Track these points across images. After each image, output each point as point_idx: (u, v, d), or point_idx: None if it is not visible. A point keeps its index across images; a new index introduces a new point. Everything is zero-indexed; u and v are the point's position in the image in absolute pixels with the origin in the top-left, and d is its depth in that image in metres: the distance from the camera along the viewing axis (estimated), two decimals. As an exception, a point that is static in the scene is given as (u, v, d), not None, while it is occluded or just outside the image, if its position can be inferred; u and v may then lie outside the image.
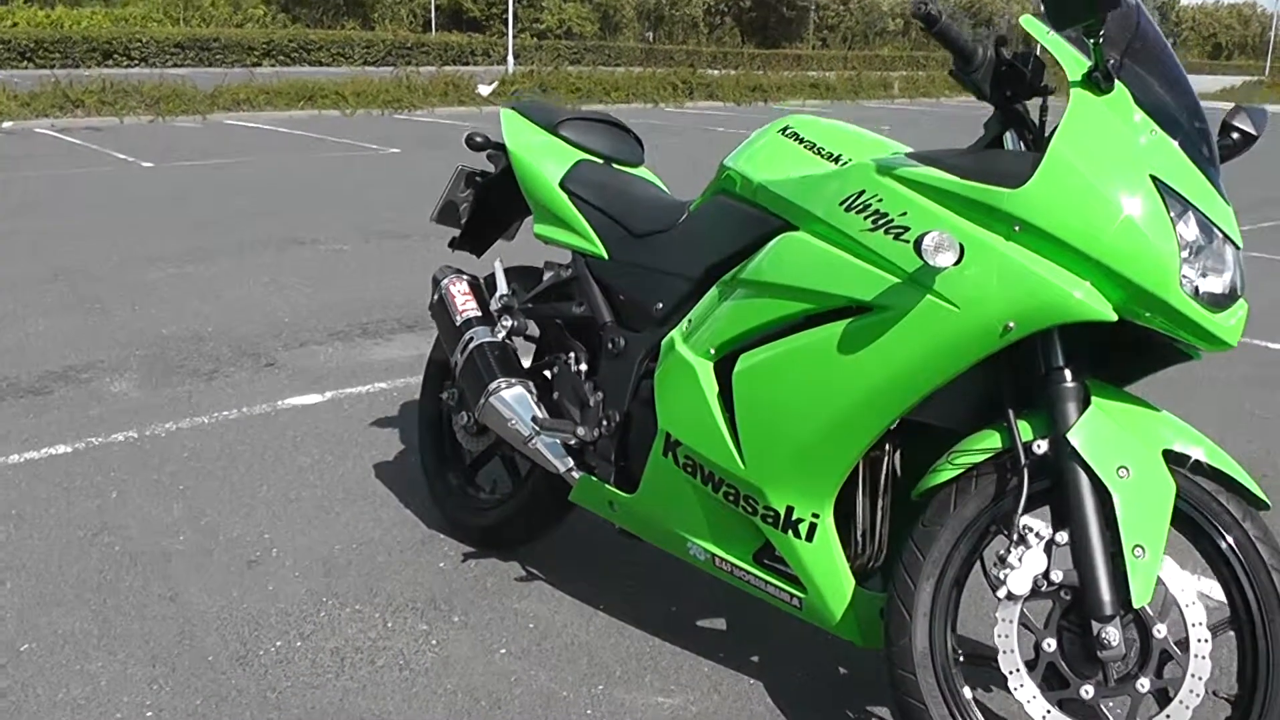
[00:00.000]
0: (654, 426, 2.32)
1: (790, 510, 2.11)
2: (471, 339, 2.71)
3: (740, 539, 2.24)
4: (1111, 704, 1.91)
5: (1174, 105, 1.86)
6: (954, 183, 1.87)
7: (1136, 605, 1.82)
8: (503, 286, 2.81)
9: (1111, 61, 1.80)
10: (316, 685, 2.34)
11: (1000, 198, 1.82)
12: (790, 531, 2.12)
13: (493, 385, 2.63)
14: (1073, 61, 1.83)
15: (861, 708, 2.33)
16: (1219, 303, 1.79)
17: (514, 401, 2.61)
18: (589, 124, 2.85)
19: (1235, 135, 2.03)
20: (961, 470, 1.96)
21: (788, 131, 2.28)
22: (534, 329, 2.84)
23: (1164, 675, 1.88)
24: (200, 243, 6.96)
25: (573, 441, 2.52)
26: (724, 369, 2.20)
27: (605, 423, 2.49)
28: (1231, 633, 1.90)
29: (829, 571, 2.11)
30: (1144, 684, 1.87)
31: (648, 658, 2.49)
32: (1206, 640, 1.86)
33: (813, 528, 2.10)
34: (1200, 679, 1.85)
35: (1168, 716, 1.86)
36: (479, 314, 2.76)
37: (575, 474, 2.53)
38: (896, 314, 1.90)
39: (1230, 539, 1.87)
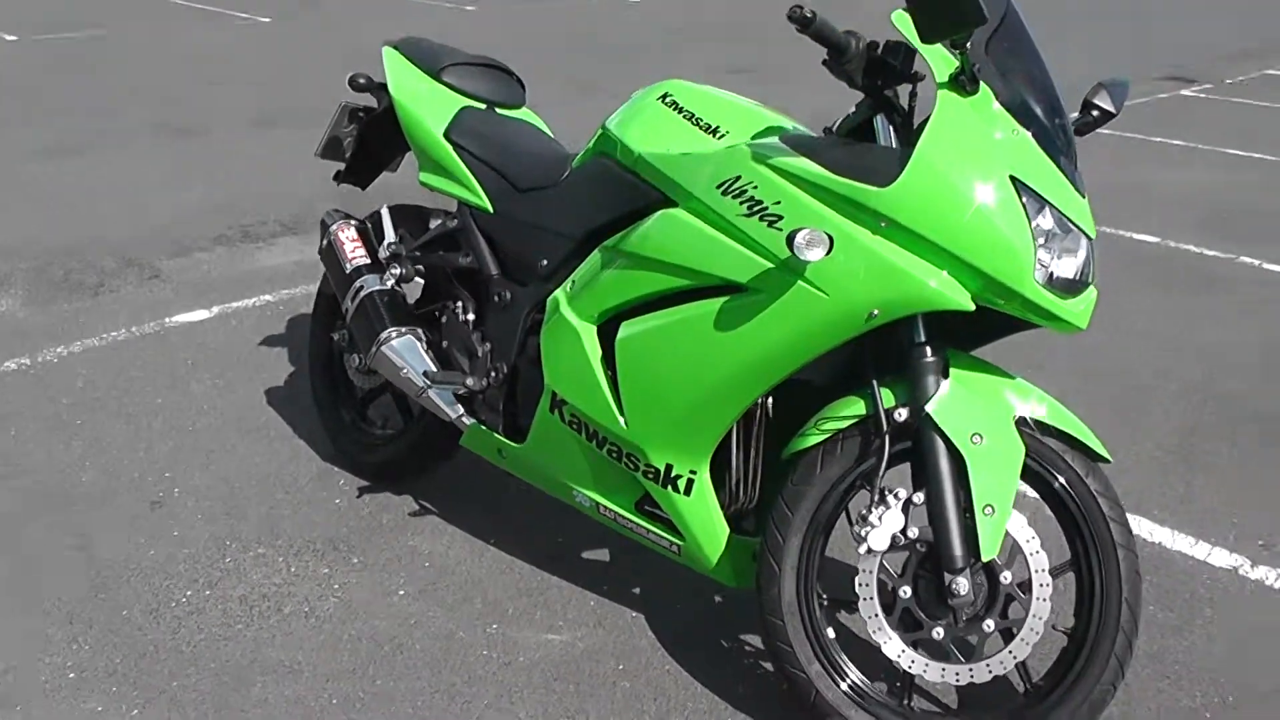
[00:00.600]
0: (541, 382, 2.44)
1: (669, 468, 2.26)
2: (362, 287, 2.78)
3: (622, 489, 2.40)
4: (960, 642, 2.12)
5: (1034, 100, 1.99)
6: (826, 177, 1.99)
7: (985, 559, 2.02)
8: (390, 233, 2.86)
9: (976, 66, 1.90)
10: (229, 637, 2.48)
11: (869, 195, 1.94)
12: (669, 487, 2.28)
13: (384, 334, 2.71)
14: (940, 61, 1.94)
15: (735, 636, 2.56)
16: (1071, 289, 1.96)
17: (405, 351, 2.70)
18: (472, 69, 2.88)
19: (1095, 113, 2.17)
20: (828, 435, 2.13)
21: (667, 99, 2.36)
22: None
23: (1008, 616, 2.11)
24: (69, 132, 6.74)
25: (462, 391, 2.62)
26: (606, 333, 2.32)
27: (493, 374, 2.60)
28: (1072, 574, 2.12)
29: (706, 523, 2.28)
30: (990, 624, 2.10)
31: (537, 594, 2.66)
32: (1048, 585, 2.09)
33: (690, 483, 2.26)
34: (1040, 618, 2.09)
35: (1010, 652, 2.09)
36: (368, 261, 2.82)
37: (465, 420, 2.64)
38: (770, 297, 2.03)
39: (1073, 492, 2.08)
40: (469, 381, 2.62)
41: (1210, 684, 2.47)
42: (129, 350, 3.86)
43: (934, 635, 2.12)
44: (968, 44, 1.87)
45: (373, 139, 3.10)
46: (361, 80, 2.98)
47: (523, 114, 2.97)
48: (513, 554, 2.81)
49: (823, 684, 2.14)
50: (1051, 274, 1.95)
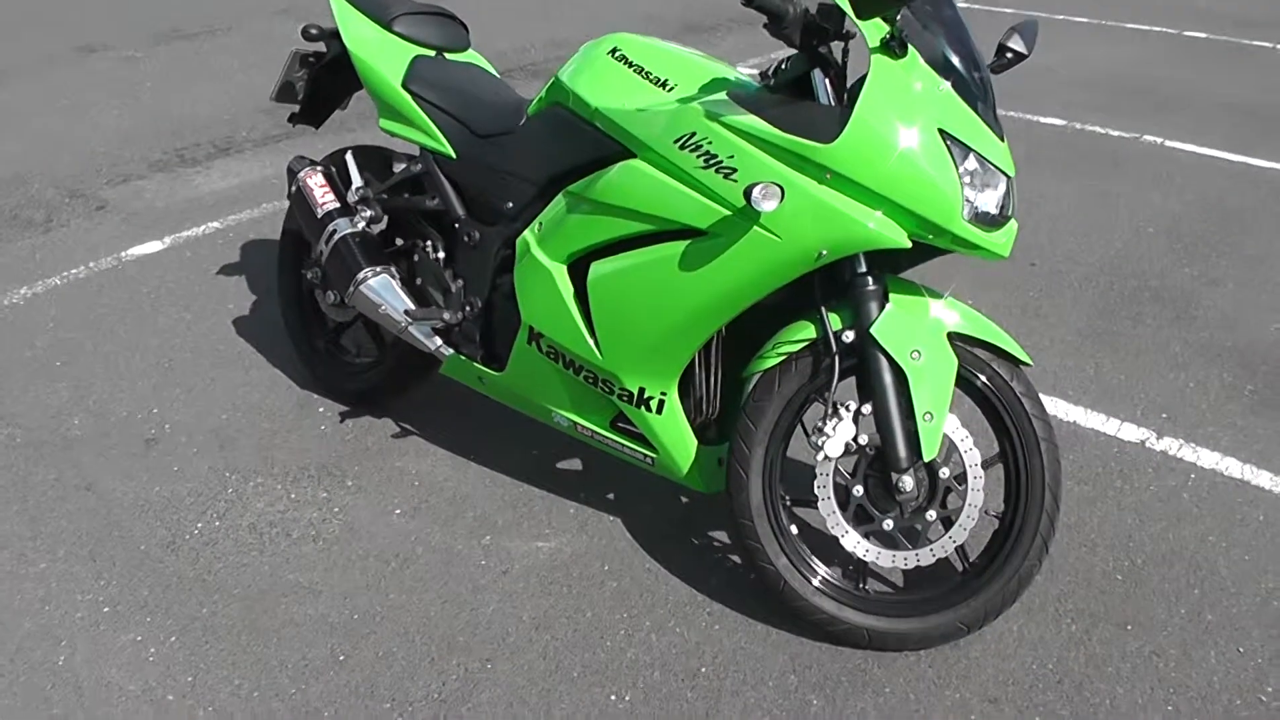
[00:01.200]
0: (516, 317, 2.67)
1: (642, 390, 2.51)
2: (335, 230, 2.95)
3: (598, 410, 2.65)
4: (907, 531, 2.43)
5: (954, 54, 2.23)
6: (775, 134, 2.22)
7: (926, 459, 2.32)
8: (357, 178, 3.03)
9: (904, 31, 2.13)
10: (246, 564, 2.70)
11: (815, 151, 2.18)
12: (643, 407, 2.53)
13: (360, 275, 2.90)
14: (871, 28, 2.16)
15: (702, 534, 2.84)
16: (993, 223, 2.23)
17: (381, 289, 2.89)
18: (420, 18, 3.03)
19: (1009, 54, 2.41)
20: (783, 358, 2.39)
21: (616, 54, 2.54)
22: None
23: (948, 506, 2.41)
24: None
25: (439, 325, 2.83)
26: (576, 271, 2.54)
27: (468, 308, 2.81)
28: (1000, 467, 2.43)
29: (677, 437, 2.55)
30: (931, 514, 2.40)
31: (521, 505, 2.92)
32: (980, 477, 2.39)
33: (661, 403, 2.52)
34: (976, 506, 2.40)
35: (950, 538, 2.40)
36: (338, 205, 2.99)
37: (445, 351, 2.85)
38: (728, 240, 2.27)
39: (1000, 396, 2.37)
40: (445, 316, 2.83)
41: (1122, 549, 2.81)
42: (91, 287, 3.98)
43: (884, 527, 2.43)
44: (898, 16, 2.10)
45: (324, 83, 3.26)
46: (314, 31, 3.12)
47: (469, 56, 3.13)
48: (494, 469, 3.06)
49: (790, 575, 2.45)
50: (976, 210, 2.21)
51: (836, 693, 2.37)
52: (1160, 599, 2.66)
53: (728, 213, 2.28)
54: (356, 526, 2.84)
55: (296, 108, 3.31)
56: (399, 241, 3.05)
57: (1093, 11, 7.95)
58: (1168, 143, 5.47)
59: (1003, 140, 2.28)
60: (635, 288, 2.42)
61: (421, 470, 3.06)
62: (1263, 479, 3.09)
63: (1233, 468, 3.15)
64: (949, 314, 2.37)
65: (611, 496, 2.96)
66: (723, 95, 2.34)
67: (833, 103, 2.28)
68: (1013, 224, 2.29)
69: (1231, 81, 6.64)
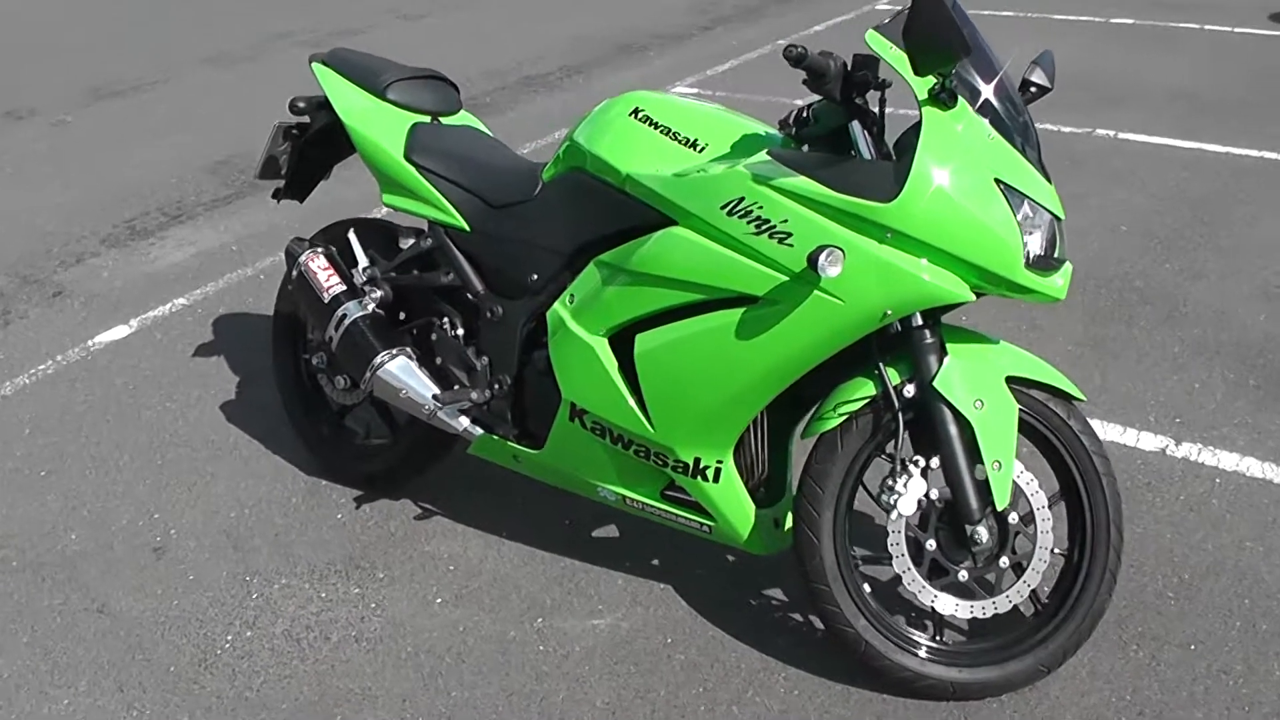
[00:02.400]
0: (554, 393, 2.58)
1: (698, 460, 2.45)
2: (345, 314, 2.83)
3: (648, 481, 2.57)
4: (980, 580, 2.39)
5: (999, 102, 2.19)
6: (831, 195, 2.17)
7: (1000, 508, 2.28)
8: (362, 257, 2.91)
9: (954, 82, 2.09)
10: (288, 675, 2.58)
11: (875, 211, 2.14)
12: (699, 477, 2.46)
13: (378, 359, 2.79)
14: (912, 78, 2.12)
15: (757, 593, 2.78)
16: (1050, 267, 2.20)
17: (402, 373, 2.79)
18: (414, 83, 2.93)
19: (1033, 89, 2.39)
20: (845, 417, 2.33)
21: (639, 115, 2.47)
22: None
23: (1018, 550, 2.37)
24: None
25: (468, 405, 2.74)
26: (617, 343, 2.47)
27: (497, 386, 2.72)
28: (1062, 504, 2.40)
29: (736, 503, 2.49)
30: (1004, 561, 2.36)
31: (567, 581, 2.83)
32: (1049, 518, 2.36)
33: (718, 471, 2.45)
34: (1046, 548, 2.37)
35: (1025, 582, 2.37)
36: (345, 288, 2.87)
37: (474, 431, 2.76)
38: (788, 306, 2.22)
39: (1059, 436, 2.35)
40: (473, 395, 2.73)
41: (1167, 565, 2.81)
42: (63, 383, 3.80)
43: (959, 578, 2.39)
44: (953, 70, 2.07)
45: (310, 155, 3.15)
46: (301, 104, 3.01)
47: (462, 118, 3.04)
48: (530, 544, 2.96)
49: (870, 635, 2.39)
50: (1033, 256, 2.18)
51: (932, 753, 2.33)
52: (1215, 613, 2.66)
53: (785, 278, 2.22)
54: (399, 621, 2.73)
55: (281, 183, 3.19)
56: (408, 319, 2.94)
57: (1018, 5, 8.05)
58: (1120, 135, 5.54)
59: (1050, 182, 2.25)
60: (689, 359, 2.36)
61: (454, 553, 2.95)
62: (1289, 478, 3.12)
63: (1253, 468, 3.17)
64: (1005, 358, 2.35)
65: (657, 563, 2.89)
66: (764, 157, 2.29)
67: (873, 154, 2.24)
68: (1068, 266, 2.27)
69: (1167, 67, 6.75)
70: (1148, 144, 5.49)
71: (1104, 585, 2.39)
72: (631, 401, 2.46)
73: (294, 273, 2.94)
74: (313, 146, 3.11)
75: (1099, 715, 2.40)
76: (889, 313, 2.19)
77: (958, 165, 2.14)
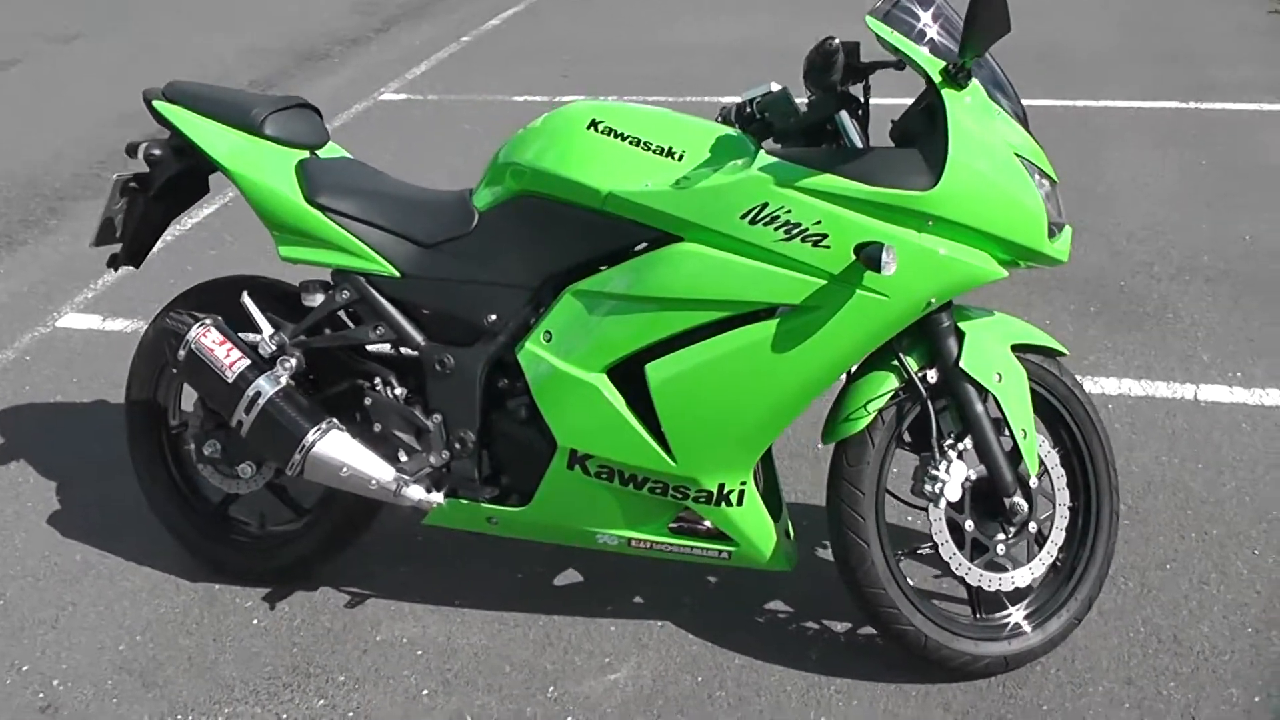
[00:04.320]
0: (541, 442, 2.34)
1: (722, 486, 2.30)
2: (258, 394, 2.44)
3: (655, 518, 2.39)
4: (1014, 550, 2.40)
5: (991, 75, 2.18)
6: (864, 190, 2.08)
7: (1034, 475, 2.28)
8: (265, 324, 2.52)
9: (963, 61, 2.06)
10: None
11: (917, 200, 2.08)
12: (723, 503, 2.31)
13: (308, 439, 2.43)
14: (927, 62, 2.08)
15: (761, 609, 2.65)
16: (1057, 232, 2.20)
17: (339, 448, 2.45)
18: (287, 114, 2.57)
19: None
20: (874, 414, 2.26)
21: (600, 127, 2.26)
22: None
23: (1039, 514, 2.39)
24: None
25: (428, 471, 2.45)
26: (617, 377, 2.26)
27: (458, 445, 2.44)
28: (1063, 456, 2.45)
29: (759, 524, 2.36)
30: (1033, 525, 2.37)
31: (557, 640, 2.59)
32: (1063, 474, 2.40)
33: (742, 494, 2.32)
34: (1065, 504, 2.40)
35: (1052, 541, 2.39)
36: (250, 362, 2.47)
37: (432, 500, 2.46)
38: (829, 310, 2.11)
39: (1054, 391, 2.38)
40: (432, 459, 2.44)
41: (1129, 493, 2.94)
42: None
43: (999, 551, 2.38)
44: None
45: (154, 210, 2.69)
46: (157, 152, 2.56)
47: (332, 149, 2.69)
48: (492, 609, 2.68)
49: (929, 629, 2.33)
50: (1050, 225, 2.19)
51: (1014, 730, 2.31)
52: (1169, 531, 2.83)
53: (822, 282, 2.11)
54: (391, 724, 2.41)
55: (118, 247, 2.71)
56: (328, 387, 2.58)
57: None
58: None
59: (1040, 147, 2.26)
60: (720, 382, 2.19)
61: (413, 636, 2.63)
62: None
63: (1134, 388, 3.43)
64: (1006, 328, 2.35)
65: (640, 601, 2.69)
66: (772, 159, 2.15)
67: (865, 142, 2.17)
68: (1068, 229, 2.29)
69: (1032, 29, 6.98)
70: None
71: (1114, 527, 2.46)
72: (647, 437, 2.26)
73: (181, 353, 2.49)
74: (156, 201, 2.66)
75: (1128, 653, 2.47)
76: (932, 301, 2.14)
77: (985, 144, 2.11)
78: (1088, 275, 4.04)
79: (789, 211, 2.10)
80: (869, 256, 2.02)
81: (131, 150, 2.58)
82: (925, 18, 2.14)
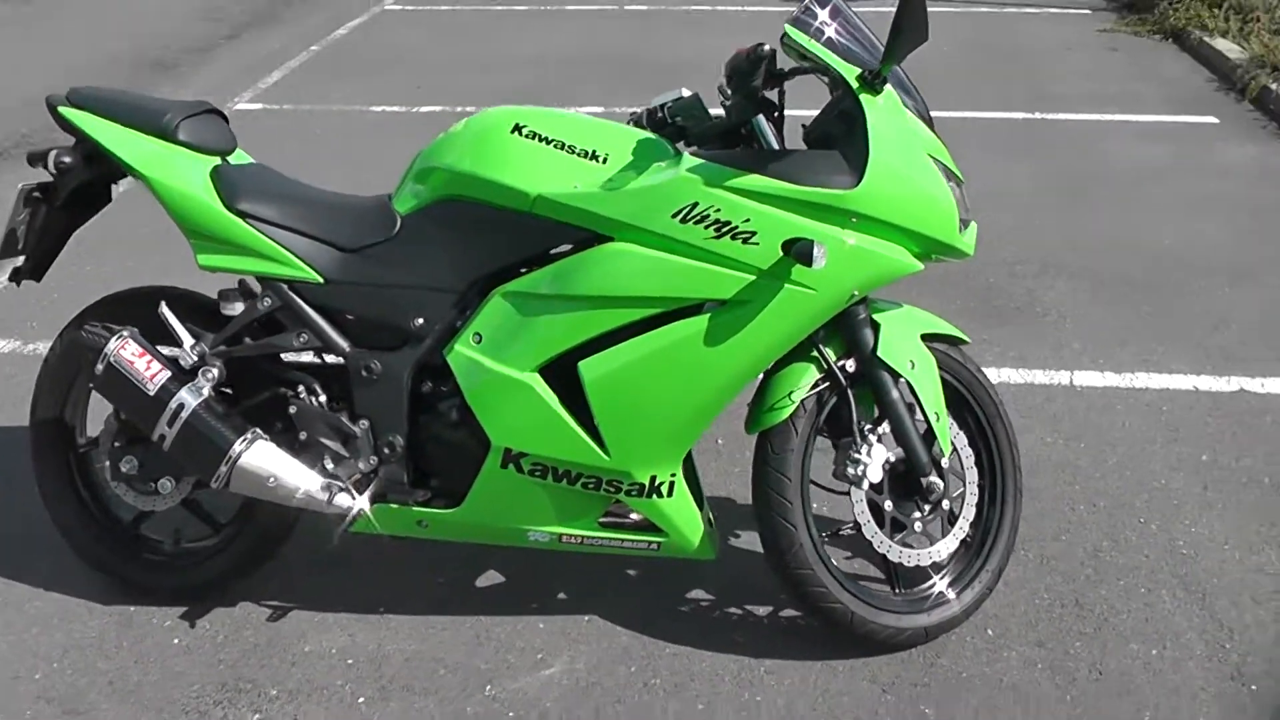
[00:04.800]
0: (474, 443, 2.38)
1: (654, 479, 2.37)
2: (181, 406, 2.41)
3: (585, 513, 2.45)
4: (930, 526, 2.52)
5: (894, 77, 2.31)
6: (791, 189, 2.19)
7: (946, 454, 2.42)
8: (185, 335, 2.48)
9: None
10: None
11: (842, 199, 2.20)
12: (654, 495, 2.39)
13: (233, 450, 2.41)
14: (842, 68, 2.22)
15: (681, 595, 2.73)
16: (964, 227, 2.35)
17: (266, 458, 2.43)
18: (199, 119, 2.54)
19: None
20: (796, 405, 2.37)
21: (524, 131, 2.31)
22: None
23: (951, 492, 2.52)
24: None
25: (355, 477, 2.45)
26: (550, 375, 2.31)
27: (387, 450, 2.45)
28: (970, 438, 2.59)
29: (688, 514, 2.44)
30: (946, 503, 2.51)
31: (487, 640, 2.61)
32: (971, 454, 2.55)
33: (672, 485, 2.40)
34: (974, 481, 2.54)
35: (965, 517, 2.53)
36: (171, 374, 2.44)
37: (361, 507, 2.46)
38: (759, 304, 2.21)
39: (959, 376, 2.53)
40: (360, 465, 2.45)
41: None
42: None
43: (916, 529, 2.50)
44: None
45: (58, 221, 2.63)
46: (67, 159, 2.49)
47: (241, 156, 2.67)
48: (418, 613, 2.69)
49: (855, 605, 2.44)
50: (959, 220, 2.33)
51: (929, 693, 2.43)
52: (1061, 505, 3.02)
53: (751, 277, 2.21)
54: (332, 734, 2.40)
55: (19, 260, 2.62)
56: (248, 397, 2.55)
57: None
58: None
59: (945, 146, 2.40)
60: (653, 377, 2.27)
61: (342, 646, 2.62)
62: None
63: (1012, 376, 3.68)
64: (915, 318, 2.49)
65: (564, 597, 2.74)
66: (699, 160, 2.24)
67: (781, 145, 2.28)
68: (973, 224, 2.43)
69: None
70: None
71: (1019, 502, 2.61)
72: (581, 433, 2.32)
73: (98, 368, 2.44)
74: (62, 210, 2.59)
75: (1035, 618, 2.62)
76: (855, 293, 2.26)
77: (901, 146, 2.24)
78: (955, 276, 4.24)
79: (719, 210, 2.19)
80: (800, 252, 2.12)
81: (34, 159, 2.51)
82: (823, 15, 2.26)
